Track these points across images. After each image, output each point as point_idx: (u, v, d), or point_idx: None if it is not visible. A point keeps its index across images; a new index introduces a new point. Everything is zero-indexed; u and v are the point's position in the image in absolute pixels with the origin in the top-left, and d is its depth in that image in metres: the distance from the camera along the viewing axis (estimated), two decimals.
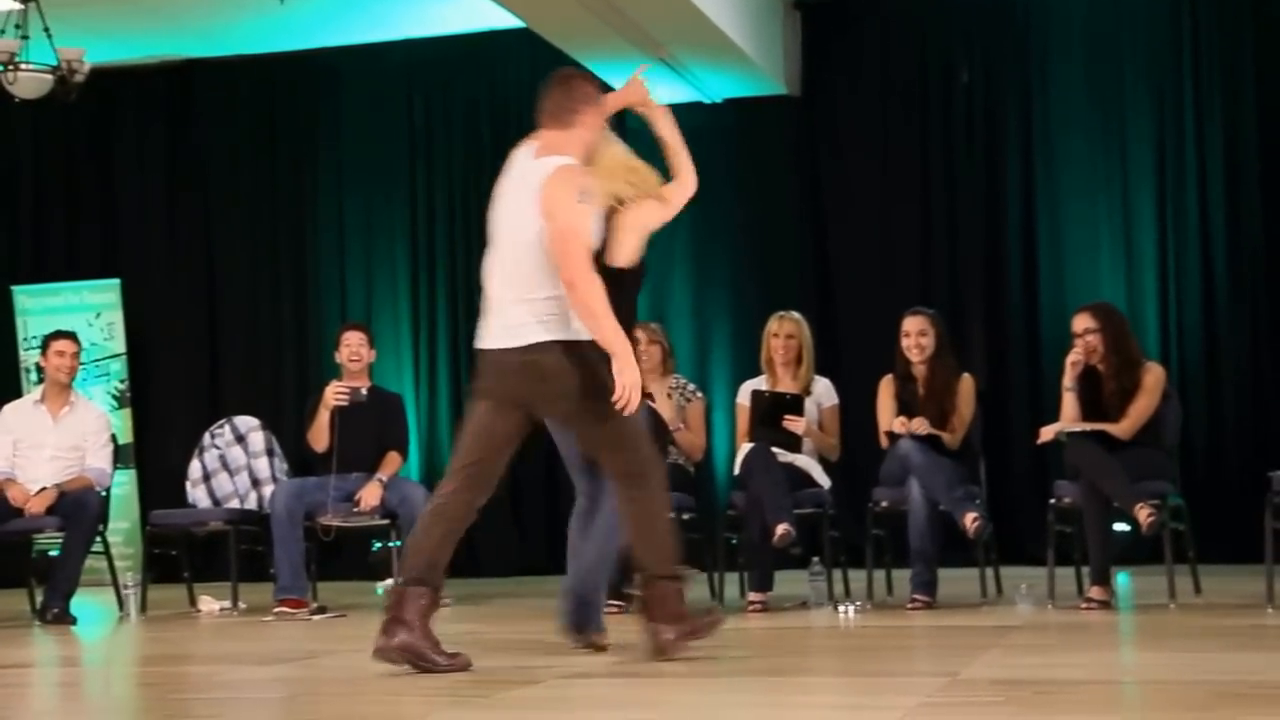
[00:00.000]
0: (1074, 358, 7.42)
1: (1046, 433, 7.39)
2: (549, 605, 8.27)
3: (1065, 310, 10.27)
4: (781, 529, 7.28)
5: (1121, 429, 7.34)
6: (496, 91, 11.97)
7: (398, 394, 9.16)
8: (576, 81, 5.64)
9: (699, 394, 8.21)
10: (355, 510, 8.37)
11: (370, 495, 8.34)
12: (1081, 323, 7.50)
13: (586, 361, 5.24)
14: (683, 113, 11.36)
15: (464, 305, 11.83)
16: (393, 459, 8.56)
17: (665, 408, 7.93)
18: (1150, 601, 7.28)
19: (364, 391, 8.45)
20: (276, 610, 8.06)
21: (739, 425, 8.01)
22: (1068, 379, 7.43)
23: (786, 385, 7.93)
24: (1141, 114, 10.63)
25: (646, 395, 7.80)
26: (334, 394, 8.35)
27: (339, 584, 10.27)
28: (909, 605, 7.30)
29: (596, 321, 5.14)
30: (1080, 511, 7.30)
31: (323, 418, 8.40)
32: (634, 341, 6.83)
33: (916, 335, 7.73)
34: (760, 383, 7.99)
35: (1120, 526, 7.44)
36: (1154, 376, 7.46)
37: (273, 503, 8.33)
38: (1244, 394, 10.25)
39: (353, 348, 8.55)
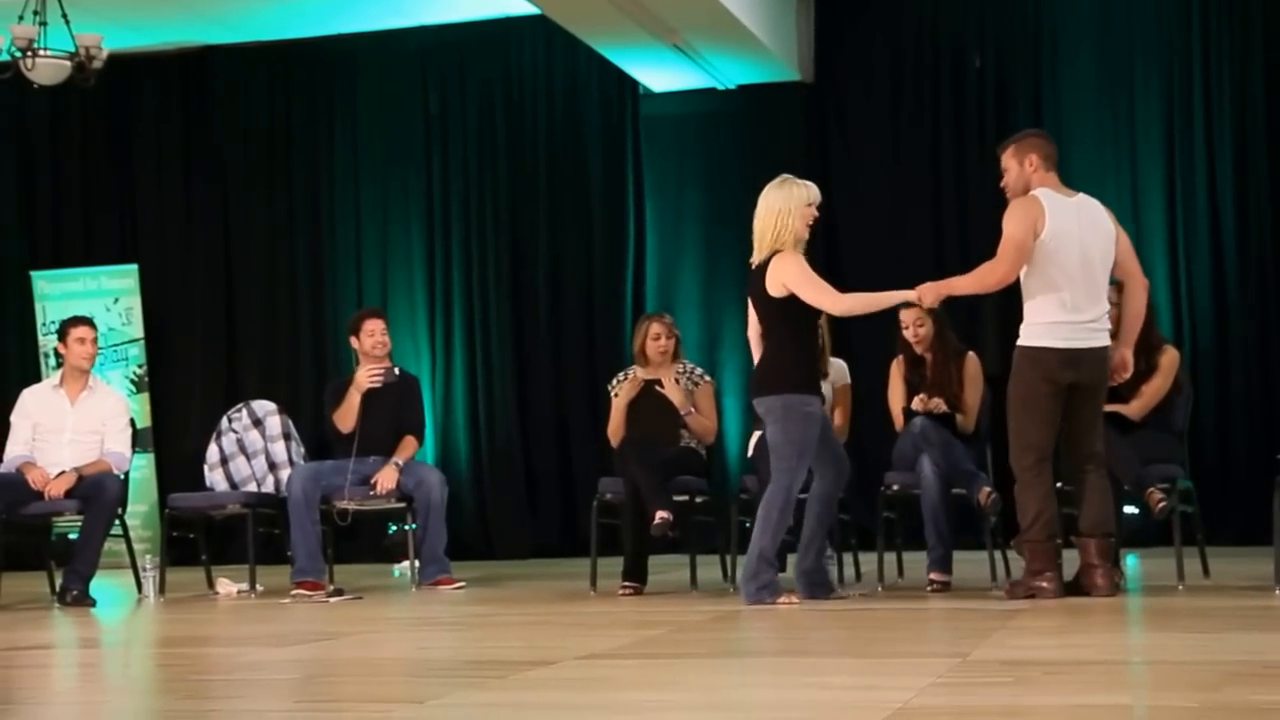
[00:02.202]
0: None
1: None
2: (563, 586, 8.34)
3: None
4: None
5: (1133, 409, 7.35)
6: (511, 78, 11.98)
7: (416, 376, 9.17)
8: None
9: (707, 378, 8.21)
10: (371, 494, 8.40)
11: (387, 479, 8.36)
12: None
13: None
14: (696, 98, 11.50)
15: (479, 290, 11.85)
16: (409, 443, 8.58)
17: (675, 393, 7.95)
18: (1159, 583, 7.28)
19: (396, 372, 8.57)
20: (294, 592, 8.09)
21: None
22: None
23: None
24: (1151, 98, 10.62)
25: (656, 382, 7.86)
26: (369, 376, 8.39)
27: (355, 566, 10.30)
28: (928, 587, 7.30)
29: None
30: None
31: (353, 400, 8.44)
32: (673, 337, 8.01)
33: (914, 325, 7.75)
34: None
35: (1129, 509, 7.43)
36: (1169, 359, 7.47)
37: (289, 486, 8.36)
38: (1254, 378, 10.25)
39: (377, 336, 8.57)
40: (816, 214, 6.88)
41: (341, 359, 10.60)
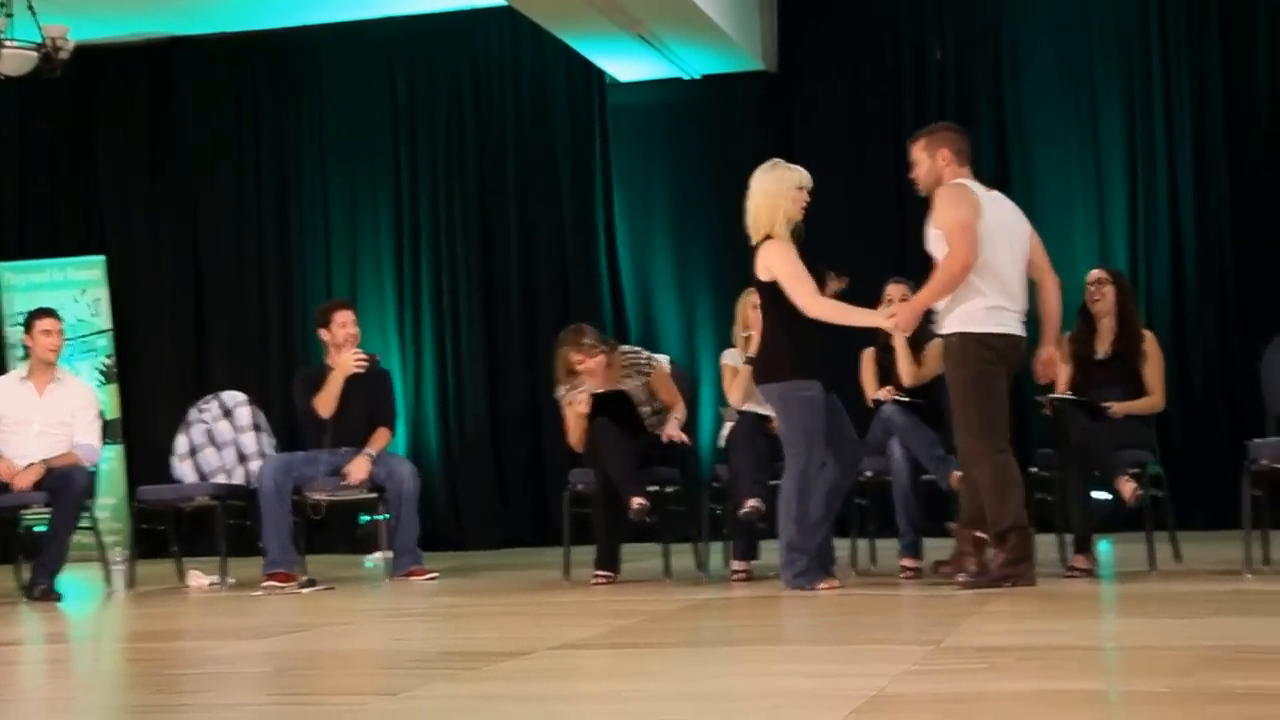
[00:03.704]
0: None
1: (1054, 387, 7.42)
2: (536, 576, 8.31)
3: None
4: (750, 503, 7.25)
5: (1154, 403, 7.45)
6: (478, 68, 11.93)
7: (387, 370, 9.14)
8: None
9: (656, 360, 8.09)
10: (343, 485, 8.36)
11: (358, 470, 8.32)
12: (1096, 276, 7.66)
13: None
14: (660, 88, 11.48)
15: (448, 280, 11.81)
16: (381, 434, 8.54)
17: (631, 387, 7.89)
18: (1132, 569, 7.28)
19: (377, 358, 8.59)
20: (265, 584, 8.04)
21: (725, 387, 7.95)
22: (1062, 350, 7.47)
23: None
24: (1112, 91, 10.66)
25: (618, 393, 7.76)
26: (356, 361, 8.37)
27: (327, 557, 10.26)
28: (901, 575, 7.30)
29: None
30: (1061, 481, 7.30)
31: (336, 385, 8.39)
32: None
33: (899, 302, 7.70)
34: (735, 355, 7.92)
35: (1100, 495, 7.44)
36: (1153, 343, 7.56)
37: (260, 477, 8.30)
38: (1214, 361, 10.34)
39: (349, 328, 8.53)
40: (808, 198, 6.85)
41: (311, 350, 10.53)
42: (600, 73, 11.39)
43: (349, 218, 12.07)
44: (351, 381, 8.41)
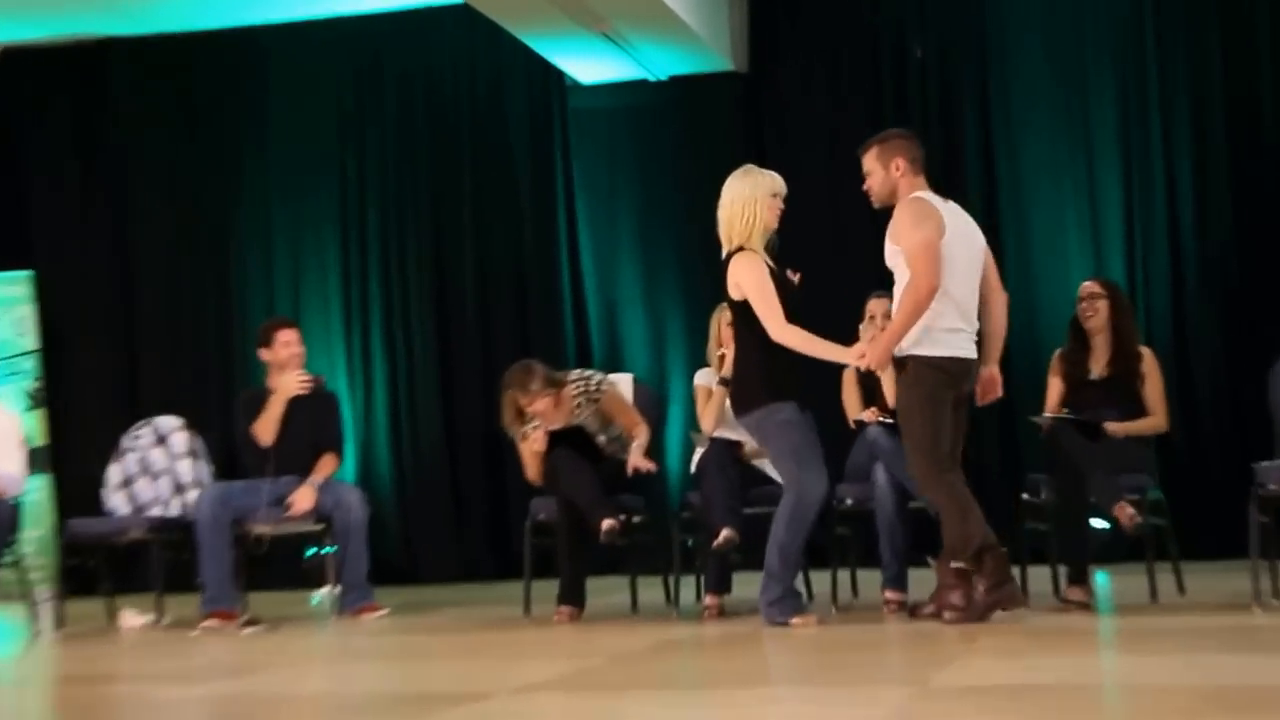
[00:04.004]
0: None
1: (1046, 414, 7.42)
2: (495, 612, 8.25)
3: (1031, 297, 10.28)
4: (725, 534, 7.22)
5: (1155, 424, 7.47)
6: (431, 71, 11.89)
7: (333, 392, 9.07)
8: None
9: (606, 383, 8.06)
10: (287, 516, 8.29)
11: (303, 500, 8.25)
12: (1089, 289, 7.69)
13: None
14: (627, 91, 11.45)
15: (399, 295, 11.74)
16: (327, 461, 8.48)
17: (585, 417, 7.86)
18: (1132, 602, 7.25)
19: (324, 381, 8.59)
20: (204, 624, 7.96)
21: (699, 410, 7.91)
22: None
23: None
24: (1105, 87, 10.60)
25: (574, 429, 7.72)
26: (300, 383, 8.34)
27: (270, 594, 10.16)
28: (885, 608, 7.25)
29: None
30: (1055, 507, 7.26)
31: (276, 409, 8.35)
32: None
33: (882, 318, 7.68)
34: (710, 375, 7.89)
35: (1098, 523, 7.42)
36: (1152, 360, 7.56)
37: (198, 509, 8.24)
38: (1219, 380, 10.23)
39: (293, 347, 8.50)
40: (782, 205, 6.84)
41: (251, 371, 10.45)
42: (560, 74, 11.35)
43: (293, 230, 11.98)
44: (295, 405, 8.35)
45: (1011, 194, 10.69)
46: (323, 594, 9.29)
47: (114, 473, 8.96)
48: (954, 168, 10.69)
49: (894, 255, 6.64)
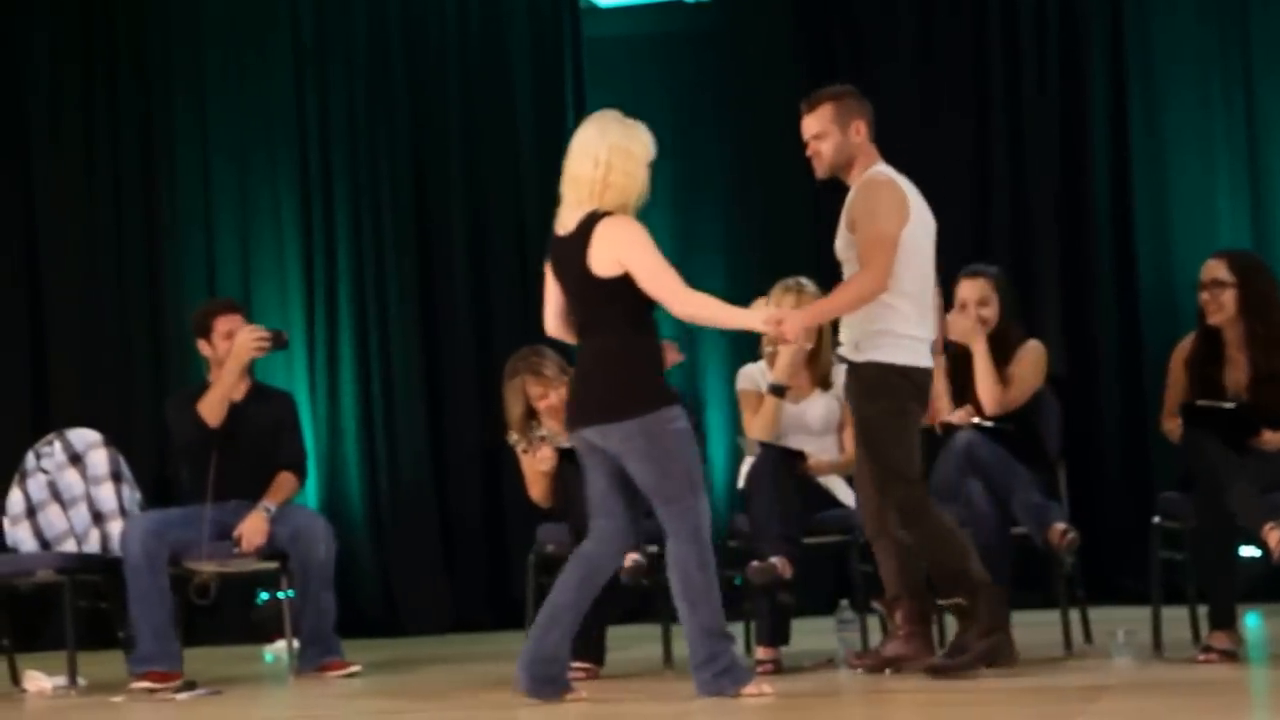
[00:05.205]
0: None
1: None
2: (492, 671, 8.25)
3: (1171, 289, 10.25)
4: (768, 564, 7.23)
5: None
6: (410, 3, 11.88)
7: (287, 393, 9.08)
8: None
9: None
10: (235, 552, 8.29)
11: (253, 531, 8.26)
12: (1211, 271, 7.36)
13: None
14: (653, 14, 11.45)
15: (374, 277, 11.75)
16: (284, 482, 8.48)
17: None
18: None
19: (285, 338, 8.47)
20: (133, 686, 7.98)
21: (744, 416, 7.94)
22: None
23: (799, 376, 7.87)
24: (1274, 44, 10.57)
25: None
26: (254, 339, 8.23)
27: (213, 649, 10.20)
28: None
29: None
30: (1196, 533, 7.24)
31: (229, 379, 8.27)
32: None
33: (976, 305, 7.67)
34: (760, 372, 7.90)
35: (1248, 551, 7.40)
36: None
37: (125, 544, 8.22)
38: None
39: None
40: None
41: (190, 372, 10.49)
42: None
43: (237, 199, 12.00)
44: (242, 411, 8.34)
45: (1145, 135, 10.66)
46: (277, 649, 9.32)
47: (15, 500, 8.97)
48: (1075, 102, 10.67)
49: (849, 246, 6.79)
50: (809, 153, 6.95)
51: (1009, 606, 6.71)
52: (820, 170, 6.95)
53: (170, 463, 8.72)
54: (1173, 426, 7.36)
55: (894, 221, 6.66)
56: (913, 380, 6.74)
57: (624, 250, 6.49)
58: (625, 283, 6.49)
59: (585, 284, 6.54)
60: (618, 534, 6.64)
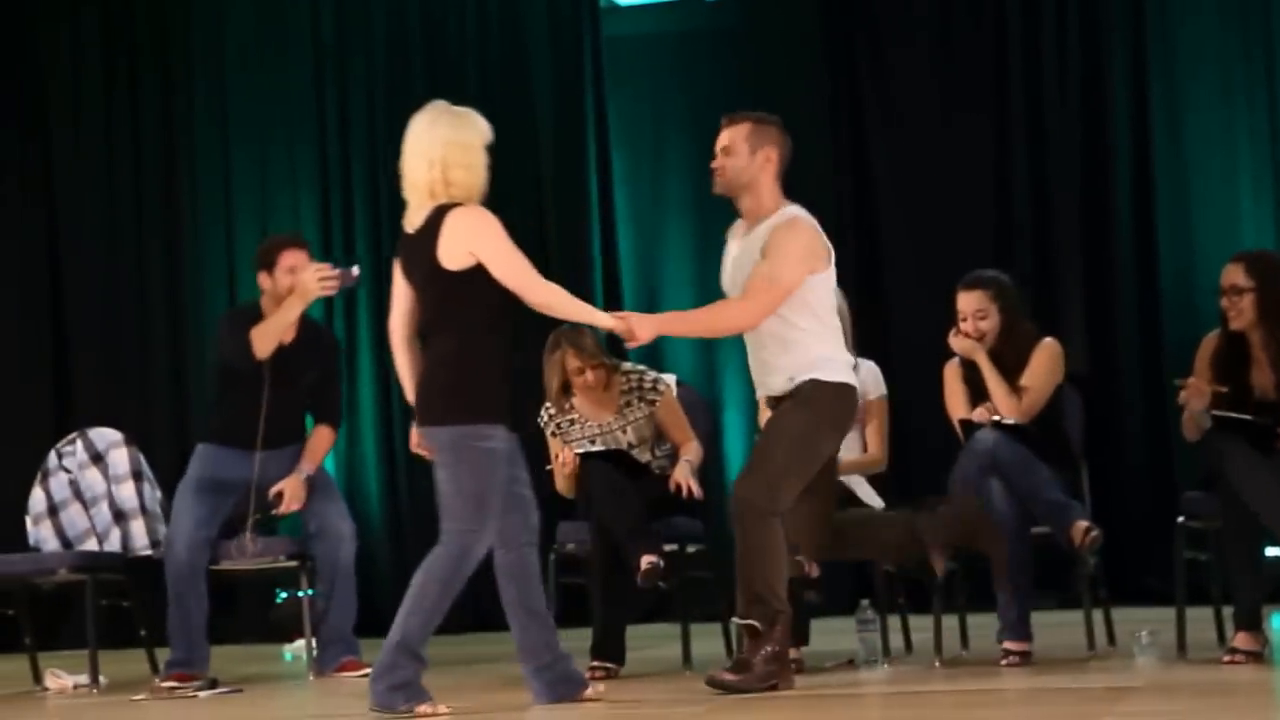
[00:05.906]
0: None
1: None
2: (512, 670, 8.21)
3: (1194, 272, 10.22)
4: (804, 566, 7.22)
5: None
6: (429, 1, 11.88)
7: (337, 340, 8.97)
8: None
9: (663, 383, 8.02)
10: (274, 513, 8.24)
11: (293, 495, 8.18)
12: (1229, 277, 7.28)
13: None
14: (676, 12, 11.43)
15: (389, 276, 11.72)
16: (323, 440, 8.45)
17: (632, 433, 7.85)
18: None
19: (355, 274, 8.13)
20: (157, 683, 7.97)
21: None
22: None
23: None
24: None
25: (616, 453, 7.70)
26: (320, 279, 8.00)
27: (232, 649, 10.20)
28: (1001, 660, 7.25)
29: None
30: (1221, 533, 7.22)
31: (289, 314, 8.10)
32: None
33: (974, 318, 7.64)
34: None
35: (1274, 551, 7.37)
36: None
37: (169, 548, 8.20)
38: None
39: (300, 272, 8.12)
40: None
41: (207, 371, 10.48)
42: None
43: (257, 193, 12.05)
44: (291, 353, 8.22)
45: (1167, 129, 10.62)
46: (297, 648, 9.30)
47: (38, 499, 8.97)
48: (1096, 95, 10.63)
49: (747, 271, 6.73)
50: (713, 165, 6.84)
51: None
52: (717, 186, 6.85)
53: (215, 382, 8.56)
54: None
55: (799, 272, 6.62)
56: (847, 400, 6.73)
57: (475, 240, 6.35)
58: (476, 276, 6.34)
59: (434, 279, 6.40)
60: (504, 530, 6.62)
